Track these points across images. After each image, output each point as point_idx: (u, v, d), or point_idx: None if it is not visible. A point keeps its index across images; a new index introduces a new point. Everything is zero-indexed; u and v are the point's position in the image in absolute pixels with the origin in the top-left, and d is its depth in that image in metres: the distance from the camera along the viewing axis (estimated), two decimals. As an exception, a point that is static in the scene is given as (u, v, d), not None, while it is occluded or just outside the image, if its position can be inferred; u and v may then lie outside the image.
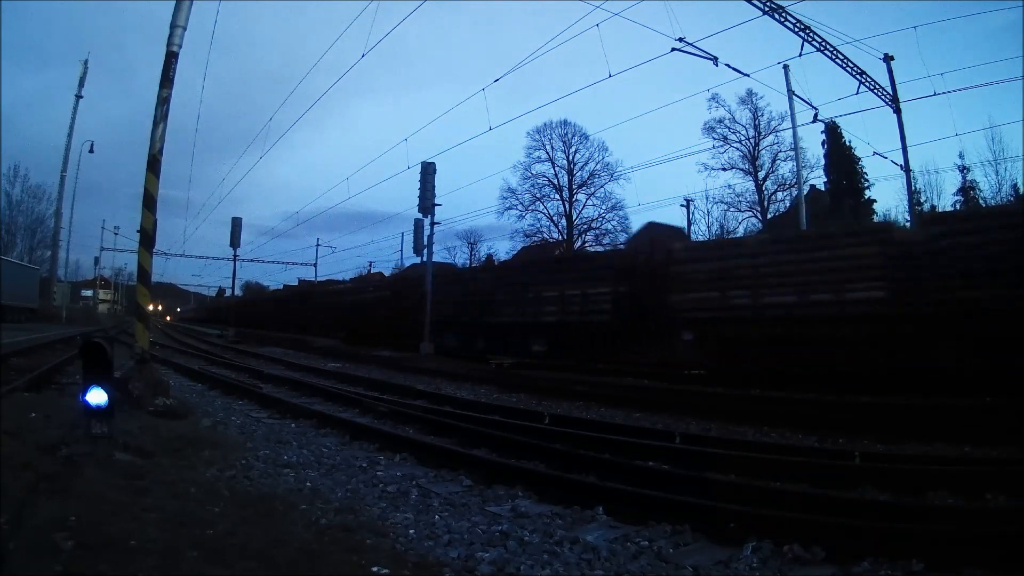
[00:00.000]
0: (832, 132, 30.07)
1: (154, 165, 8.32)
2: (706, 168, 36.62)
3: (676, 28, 26.38)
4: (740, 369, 11.11)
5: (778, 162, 35.72)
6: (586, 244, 40.19)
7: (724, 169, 36.73)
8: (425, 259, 22.08)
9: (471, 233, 47.52)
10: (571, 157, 42.05)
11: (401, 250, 41.01)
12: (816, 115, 19.97)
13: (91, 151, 32.33)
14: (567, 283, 16.00)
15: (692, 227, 33.97)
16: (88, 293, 62.19)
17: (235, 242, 33.74)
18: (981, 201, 26.59)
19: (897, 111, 19.34)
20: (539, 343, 16.50)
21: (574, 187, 41.97)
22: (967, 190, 27.62)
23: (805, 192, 24.86)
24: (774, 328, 11.01)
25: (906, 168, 20.03)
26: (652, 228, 32.21)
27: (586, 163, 41.89)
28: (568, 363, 14.20)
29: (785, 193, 35.45)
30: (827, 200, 31.84)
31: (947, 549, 3.07)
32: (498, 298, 18.06)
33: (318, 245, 48.87)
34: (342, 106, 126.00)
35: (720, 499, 3.96)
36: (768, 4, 16.26)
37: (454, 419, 7.39)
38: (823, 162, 33.46)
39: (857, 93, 18.60)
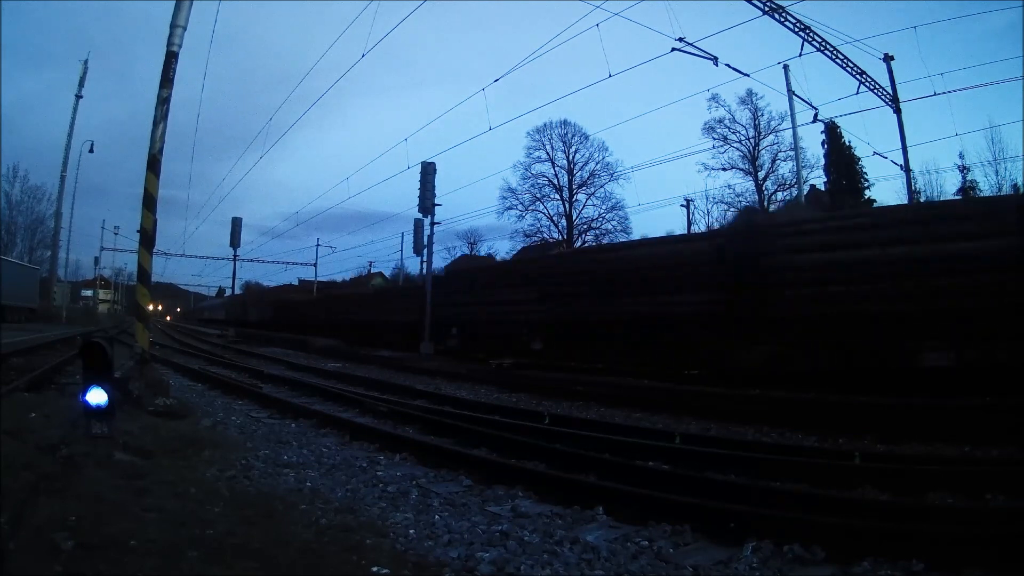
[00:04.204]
0: (832, 132, 30.11)
1: (154, 165, 8.34)
2: (706, 168, 36.83)
3: (676, 28, 26.51)
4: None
5: (778, 162, 35.95)
6: (586, 244, 40.27)
7: (724, 169, 36.96)
8: (425, 259, 22.09)
9: (471, 233, 47.74)
10: (571, 157, 42.21)
11: (401, 250, 41.09)
12: (816, 115, 20.04)
13: (91, 151, 32.22)
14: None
15: (692, 227, 34.04)
16: (88, 293, 62.29)
17: (235, 242, 33.89)
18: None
19: (897, 111, 19.37)
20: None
21: (574, 187, 42.11)
22: (967, 190, 27.60)
23: (805, 192, 24.87)
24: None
25: (906, 168, 20.07)
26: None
27: (586, 163, 42.08)
28: (567, 363, 14.10)
29: (785, 193, 35.62)
30: (827, 200, 31.84)
31: (947, 549, 3.07)
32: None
33: (318, 245, 49.19)
34: (342, 106, 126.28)
35: (720, 499, 3.95)
36: (768, 4, 16.27)
37: (454, 419, 7.38)
38: (823, 162, 33.59)
39: (857, 93, 18.68)
